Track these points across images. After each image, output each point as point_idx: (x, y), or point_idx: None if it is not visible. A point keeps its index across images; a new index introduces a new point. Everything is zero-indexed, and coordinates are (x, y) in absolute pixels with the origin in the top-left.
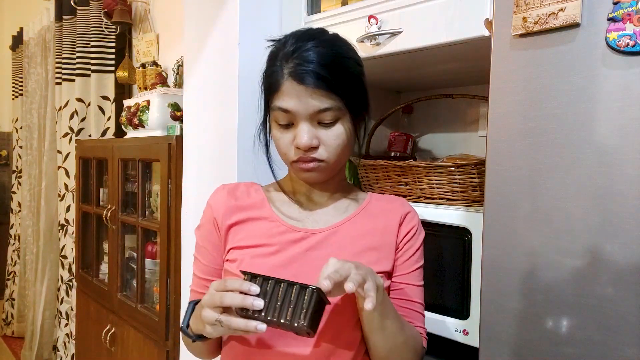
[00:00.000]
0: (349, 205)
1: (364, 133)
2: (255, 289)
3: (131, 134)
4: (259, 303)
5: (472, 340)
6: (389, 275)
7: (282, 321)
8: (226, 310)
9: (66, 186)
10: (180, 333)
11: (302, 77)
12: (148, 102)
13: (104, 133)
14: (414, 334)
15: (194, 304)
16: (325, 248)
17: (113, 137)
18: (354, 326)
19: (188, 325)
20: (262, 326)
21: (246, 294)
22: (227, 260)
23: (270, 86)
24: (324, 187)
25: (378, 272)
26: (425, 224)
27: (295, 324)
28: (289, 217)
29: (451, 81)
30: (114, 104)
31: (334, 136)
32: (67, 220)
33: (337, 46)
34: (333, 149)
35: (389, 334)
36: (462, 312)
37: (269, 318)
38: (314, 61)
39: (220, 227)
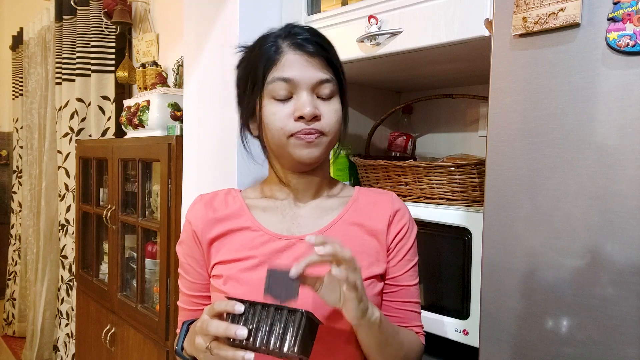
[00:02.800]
0: (335, 204)
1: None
2: (240, 307)
3: (131, 134)
4: (242, 332)
5: (472, 340)
6: (381, 277)
7: (271, 348)
8: (218, 337)
9: (66, 186)
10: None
11: (303, 46)
12: (148, 102)
13: (104, 133)
14: (412, 343)
15: (187, 324)
16: None
17: (113, 137)
18: (346, 340)
19: (183, 348)
20: (250, 356)
21: (232, 313)
22: (213, 276)
23: (268, 61)
24: (308, 185)
25: (370, 277)
26: (425, 224)
27: (285, 350)
28: (272, 223)
29: (451, 81)
30: (114, 104)
31: (333, 110)
32: (67, 220)
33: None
34: (333, 123)
35: (389, 354)
36: (462, 312)
37: (256, 346)
38: (311, 34)
39: (202, 242)
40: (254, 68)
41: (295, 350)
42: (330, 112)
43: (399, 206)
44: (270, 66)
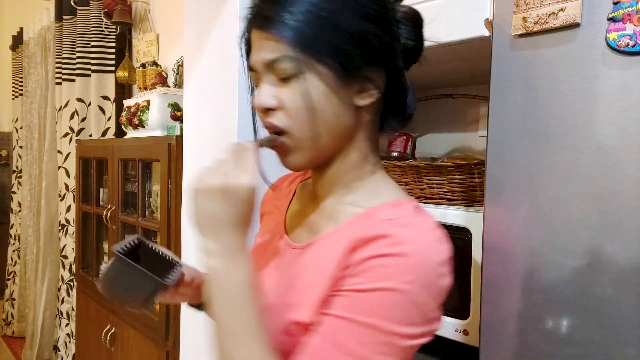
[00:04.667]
0: (347, 213)
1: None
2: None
3: (131, 134)
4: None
5: (472, 340)
6: (304, 327)
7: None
8: None
9: (66, 186)
10: None
11: (252, 21)
12: (148, 102)
13: (104, 133)
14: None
15: None
16: (289, 271)
17: (113, 137)
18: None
19: None
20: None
21: None
22: None
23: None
24: (326, 183)
25: (293, 322)
26: None
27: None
28: (292, 217)
29: (451, 81)
30: (114, 104)
31: (294, 95)
32: (67, 220)
33: None
34: (294, 114)
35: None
36: (462, 312)
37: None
38: (266, 0)
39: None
40: None
41: (101, 287)
42: (289, 99)
43: (392, 232)
44: (247, 51)
